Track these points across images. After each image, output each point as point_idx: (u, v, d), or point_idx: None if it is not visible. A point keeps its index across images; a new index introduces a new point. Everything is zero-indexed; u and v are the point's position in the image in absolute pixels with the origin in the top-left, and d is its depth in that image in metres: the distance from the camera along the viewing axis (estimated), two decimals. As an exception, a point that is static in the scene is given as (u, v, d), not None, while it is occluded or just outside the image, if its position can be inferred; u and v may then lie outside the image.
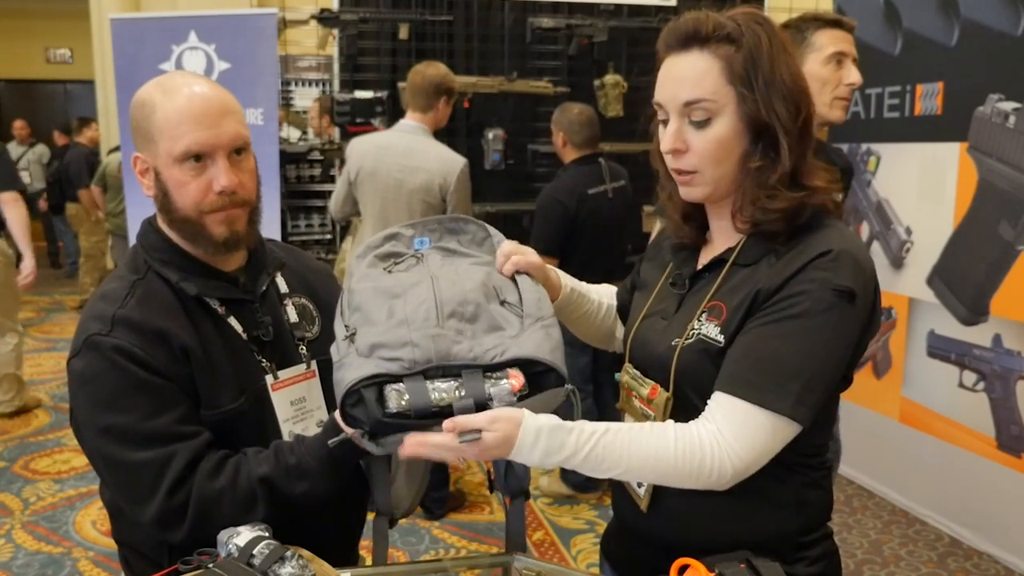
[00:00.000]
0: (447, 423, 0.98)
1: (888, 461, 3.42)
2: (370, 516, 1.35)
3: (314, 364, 1.32)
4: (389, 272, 1.18)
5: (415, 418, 0.99)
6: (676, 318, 1.15)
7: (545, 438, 0.99)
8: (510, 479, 1.30)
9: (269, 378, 1.26)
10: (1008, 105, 2.79)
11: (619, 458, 1.01)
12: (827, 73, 1.83)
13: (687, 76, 1.04)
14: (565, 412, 1.05)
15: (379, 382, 1.01)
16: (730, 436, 1.01)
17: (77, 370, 1.16)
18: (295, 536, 1.12)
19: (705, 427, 1.03)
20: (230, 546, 1.02)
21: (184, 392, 1.17)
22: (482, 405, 0.99)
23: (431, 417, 0.99)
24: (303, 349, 1.32)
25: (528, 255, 1.18)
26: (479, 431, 0.97)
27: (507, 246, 1.19)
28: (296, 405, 1.29)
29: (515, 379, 1.01)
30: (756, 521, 1.11)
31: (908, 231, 3.30)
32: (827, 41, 1.83)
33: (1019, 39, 2.75)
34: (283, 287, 1.35)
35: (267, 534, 1.04)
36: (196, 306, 1.23)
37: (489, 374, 1.02)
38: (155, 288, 1.22)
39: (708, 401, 1.05)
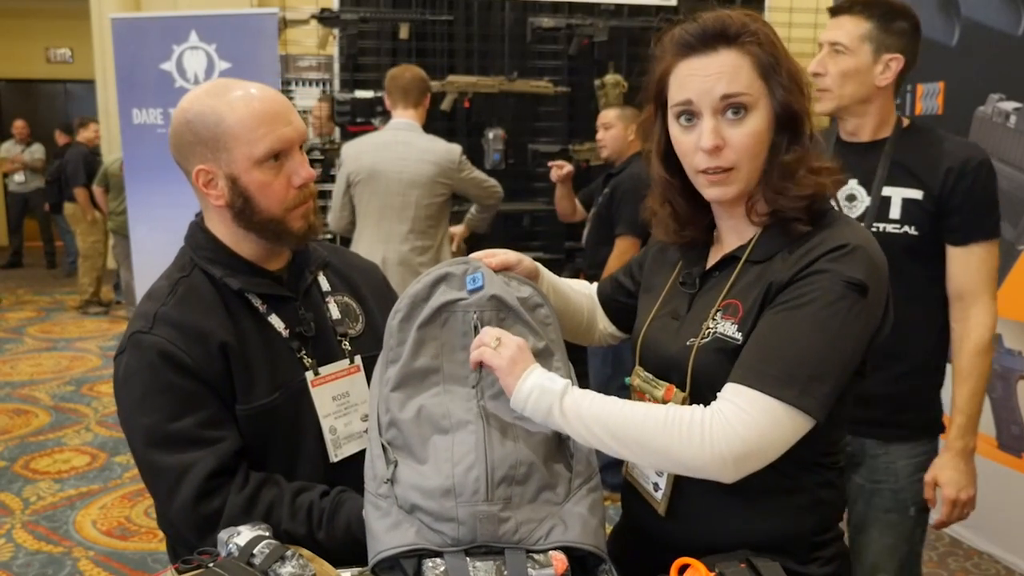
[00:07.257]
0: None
1: (888, 461, 3.41)
2: None
3: (358, 359, 1.35)
4: (430, 387, 1.12)
5: None
6: (688, 318, 1.14)
7: (535, 400, 1.05)
8: None
9: (309, 374, 1.28)
10: (1009, 105, 2.78)
11: (602, 416, 1.02)
12: None
13: (723, 71, 1.04)
14: None
15: (418, 555, 1.01)
16: (730, 415, 0.98)
17: (120, 366, 1.21)
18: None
19: (704, 407, 1.01)
20: (230, 546, 1.02)
21: (215, 393, 1.19)
22: None
23: None
24: (346, 345, 1.35)
25: (499, 255, 1.19)
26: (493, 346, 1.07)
27: (482, 258, 1.19)
28: (339, 400, 1.31)
29: (558, 562, 1.00)
30: (773, 521, 1.10)
31: (908, 231, 3.30)
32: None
33: (1019, 39, 2.75)
34: (325, 285, 1.38)
35: (267, 534, 1.04)
36: (238, 303, 1.25)
37: (532, 555, 1.01)
38: (198, 284, 1.24)
39: None
